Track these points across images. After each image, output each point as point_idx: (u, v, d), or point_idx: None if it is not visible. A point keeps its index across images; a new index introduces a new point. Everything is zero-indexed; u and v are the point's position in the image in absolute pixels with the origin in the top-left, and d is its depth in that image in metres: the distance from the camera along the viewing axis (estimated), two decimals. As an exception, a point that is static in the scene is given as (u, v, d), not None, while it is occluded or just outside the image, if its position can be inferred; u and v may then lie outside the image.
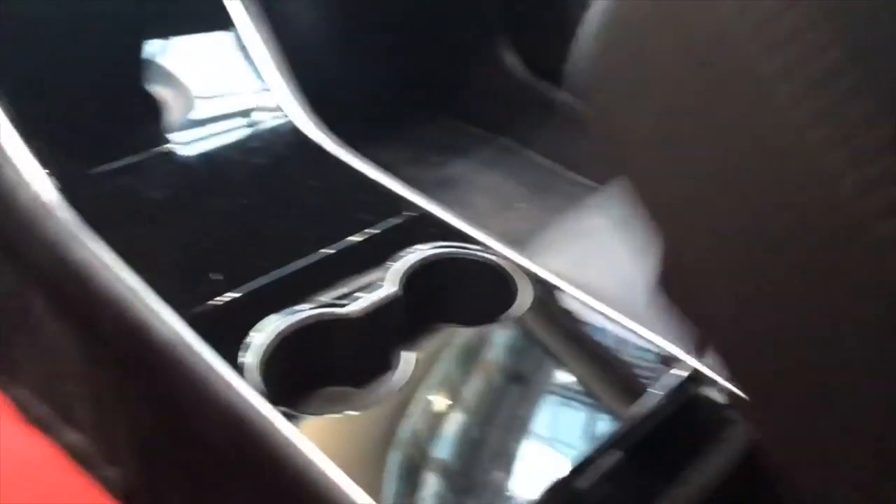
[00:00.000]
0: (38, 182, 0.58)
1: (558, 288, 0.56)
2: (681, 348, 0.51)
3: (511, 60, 1.47)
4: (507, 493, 0.41)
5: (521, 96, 1.46)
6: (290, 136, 0.71)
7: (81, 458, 0.60)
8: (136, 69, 0.74)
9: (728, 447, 0.44)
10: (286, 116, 0.73)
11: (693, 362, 0.49)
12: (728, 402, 0.47)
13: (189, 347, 0.48)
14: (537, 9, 1.44)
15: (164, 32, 0.77)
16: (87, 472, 0.59)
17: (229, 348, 0.48)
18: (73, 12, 0.67)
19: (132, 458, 0.63)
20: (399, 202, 0.64)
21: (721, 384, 0.48)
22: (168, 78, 0.76)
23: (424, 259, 0.57)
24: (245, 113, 0.75)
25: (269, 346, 0.48)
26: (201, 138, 0.69)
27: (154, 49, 0.76)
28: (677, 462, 0.44)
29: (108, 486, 0.58)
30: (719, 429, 0.46)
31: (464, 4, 1.52)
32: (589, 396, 0.48)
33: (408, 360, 0.50)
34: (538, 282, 0.56)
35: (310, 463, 0.42)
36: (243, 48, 0.80)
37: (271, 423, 0.44)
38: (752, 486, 0.45)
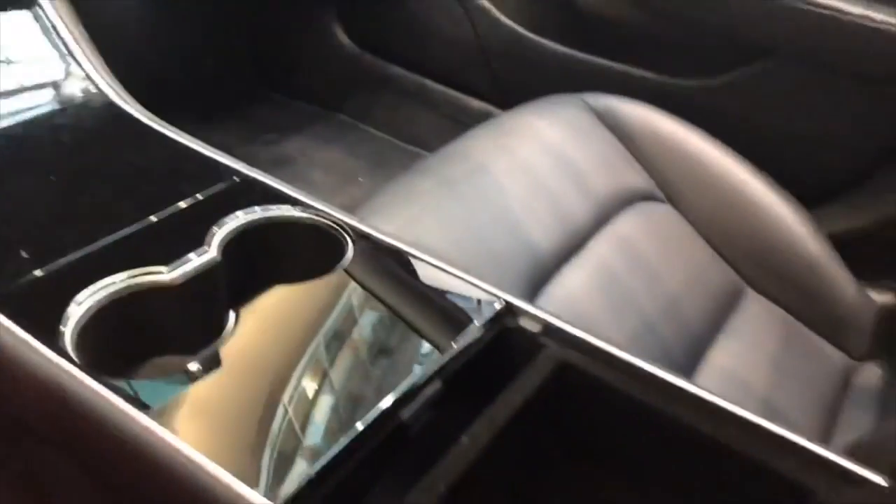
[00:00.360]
0: None
1: (382, 243, 0.58)
2: (499, 289, 0.55)
3: (341, 37, 1.48)
4: (334, 431, 0.43)
5: (353, 72, 1.48)
6: (100, 110, 0.69)
7: None
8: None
9: (538, 368, 0.48)
10: (95, 89, 0.70)
11: (507, 297, 0.53)
12: (539, 331, 0.51)
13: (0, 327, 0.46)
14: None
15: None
16: None
17: (45, 324, 0.46)
18: None
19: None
20: (219, 169, 0.63)
21: (533, 314, 0.52)
22: None
23: (246, 223, 0.57)
24: (49, 89, 0.72)
25: (83, 319, 0.47)
26: (4, 115, 0.66)
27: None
28: (495, 386, 0.47)
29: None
30: (532, 354, 0.50)
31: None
32: (409, 335, 0.51)
33: (231, 321, 0.50)
34: (362, 238, 0.58)
35: (129, 424, 0.42)
36: (46, 25, 0.76)
37: (94, 394, 0.44)
38: (562, 402, 0.50)
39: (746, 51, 1.06)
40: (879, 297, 0.98)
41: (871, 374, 0.91)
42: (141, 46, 1.32)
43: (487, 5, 1.30)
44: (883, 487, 0.42)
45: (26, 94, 0.70)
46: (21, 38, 0.76)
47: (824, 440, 0.81)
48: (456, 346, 0.49)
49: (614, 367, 0.49)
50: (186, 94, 1.38)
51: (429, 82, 1.39)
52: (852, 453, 0.49)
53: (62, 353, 0.45)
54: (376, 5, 1.42)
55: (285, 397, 0.45)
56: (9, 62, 0.74)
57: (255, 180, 0.63)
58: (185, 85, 1.40)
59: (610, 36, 1.20)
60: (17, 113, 0.67)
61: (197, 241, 0.55)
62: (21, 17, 0.78)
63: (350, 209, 0.66)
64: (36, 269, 0.50)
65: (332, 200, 0.62)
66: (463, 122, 1.36)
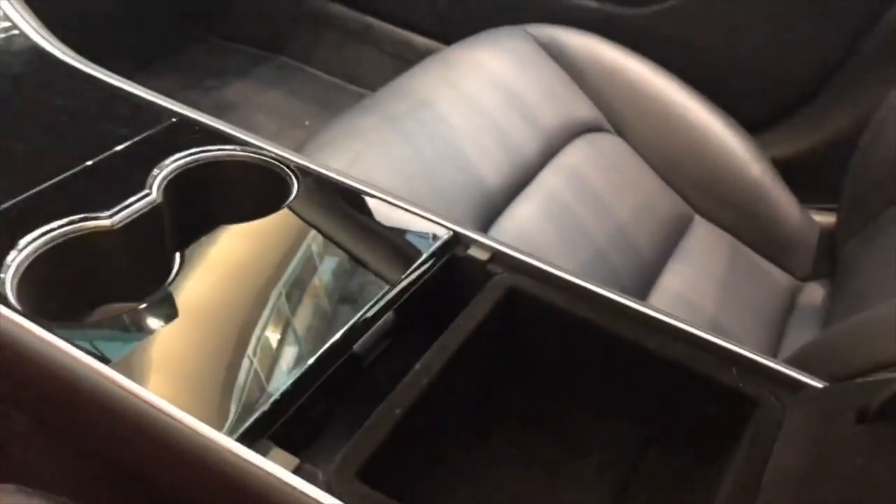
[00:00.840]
0: None
1: (328, 179, 0.57)
2: (443, 219, 0.55)
3: (279, -25, 1.43)
4: (281, 367, 0.43)
5: (294, 12, 1.43)
6: (27, 54, 0.66)
7: None
8: None
9: (487, 294, 0.49)
10: (20, 34, 0.67)
11: (454, 227, 0.53)
12: (487, 258, 0.51)
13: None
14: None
15: None
16: None
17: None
18: None
19: None
20: (155, 111, 0.61)
21: (481, 241, 0.52)
22: None
23: (186, 164, 0.56)
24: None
25: (23, 266, 0.46)
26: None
27: None
28: (447, 316, 0.48)
29: None
30: (481, 281, 0.50)
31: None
32: (358, 269, 0.51)
33: (177, 264, 0.50)
34: (307, 175, 0.57)
35: (76, 367, 0.41)
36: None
37: (37, 340, 0.43)
38: (512, 327, 0.50)
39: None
40: (822, 219, 1.00)
41: (814, 293, 0.94)
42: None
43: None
44: (820, 389, 0.44)
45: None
46: None
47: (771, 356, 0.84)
48: (405, 278, 0.49)
49: (562, 290, 0.50)
50: (122, 40, 1.32)
51: (371, 19, 1.36)
52: (792, 362, 0.51)
53: (2, 299, 0.44)
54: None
55: (236, 337, 0.45)
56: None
57: (194, 120, 0.61)
58: (120, 31, 1.34)
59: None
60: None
61: (138, 184, 0.53)
62: None
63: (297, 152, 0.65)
64: (-31, 218, 0.49)
65: (279, 143, 0.61)
66: (409, 60, 1.33)
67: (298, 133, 1.28)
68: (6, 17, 0.67)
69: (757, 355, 0.47)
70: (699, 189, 0.97)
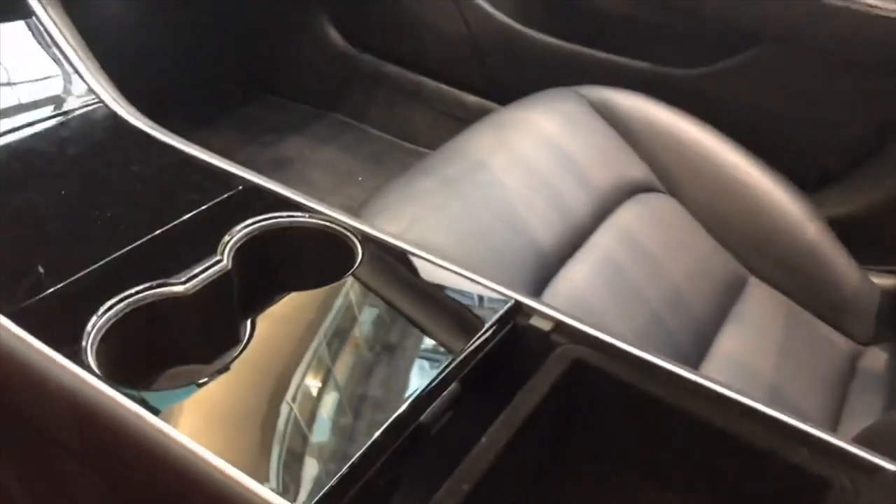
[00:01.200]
0: None
1: (391, 246, 0.59)
2: (507, 288, 0.55)
3: (334, 36, 1.48)
4: (349, 439, 0.44)
5: (347, 71, 1.48)
6: (104, 122, 0.69)
7: None
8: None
9: (552, 366, 0.49)
10: (98, 101, 0.70)
11: (517, 296, 0.54)
12: (550, 328, 0.52)
13: (20, 341, 0.46)
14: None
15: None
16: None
17: (64, 338, 0.47)
18: None
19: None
20: (225, 178, 0.64)
21: (543, 312, 0.53)
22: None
23: (254, 230, 0.58)
24: (52, 101, 0.72)
25: (102, 332, 0.48)
26: (5, 131, 0.66)
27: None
28: (510, 387, 0.48)
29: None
30: (544, 352, 0.50)
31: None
32: (422, 339, 0.51)
33: (246, 329, 0.51)
34: (370, 242, 0.58)
35: (154, 435, 0.42)
36: (43, 35, 0.77)
37: (117, 405, 0.44)
38: (575, 399, 0.50)
39: (740, 38, 1.07)
40: (881, 281, 0.99)
41: (876, 357, 0.92)
42: (134, 51, 1.32)
43: (479, 0, 1.30)
44: (894, 472, 0.43)
45: (29, 108, 0.70)
46: (19, 49, 0.77)
47: (832, 425, 0.82)
48: (469, 347, 0.50)
49: (626, 362, 0.50)
50: (181, 98, 1.38)
51: (424, 79, 1.40)
52: (862, 441, 0.50)
53: (85, 366, 0.45)
54: (367, 4, 1.42)
55: (301, 403, 0.46)
56: (9, 75, 0.74)
57: (261, 187, 0.63)
58: (179, 88, 1.40)
59: (603, 27, 1.20)
60: (21, 127, 0.67)
61: (208, 250, 0.55)
62: (17, 28, 0.79)
63: (350, 209, 0.67)
64: (54, 284, 0.51)
65: (331, 201, 0.63)
66: (459, 118, 1.36)
67: (351, 189, 1.31)
68: (89, 89, 0.71)
69: (824, 433, 0.46)
70: (754, 250, 0.97)
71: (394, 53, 1.42)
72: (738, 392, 0.47)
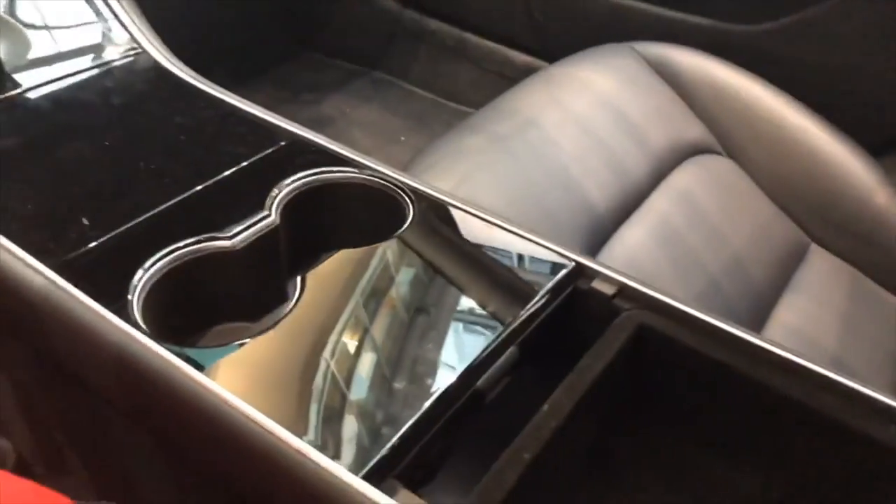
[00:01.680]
0: None
1: (443, 203, 0.56)
2: (565, 248, 0.53)
3: (379, -9, 1.44)
4: (403, 404, 0.42)
5: (390, 28, 1.44)
6: (149, 73, 0.67)
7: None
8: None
9: (616, 332, 0.46)
10: (142, 51, 0.68)
11: (578, 257, 0.51)
12: (613, 292, 0.49)
13: (66, 293, 0.45)
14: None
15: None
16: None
17: (110, 292, 0.46)
18: None
19: (22, 426, 0.60)
20: (271, 131, 0.62)
21: (604, 274, 0.50)
22: (7, 20, 0.70)
23: (303, 185, 0.55)
24: (96, 50, 0.70)
25: (148, 286, 0.46)
26: (50, 80, 0.64)
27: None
28: (571, 352, 0.46)
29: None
30: (607, 316, 0.48)
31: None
32: (479, 301, 0.49)
33: (294, 286, 0.49)
34: (422, 199, 0.56)
35: (201, 393, 0.41)
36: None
37: (163, 361, 0.43)
38: (637, 365, 0.48)
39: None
40: (950, 250, 0.94)
41: (942, 329, 0.87)
42: (175, 7, 1.30)
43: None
44: None
45: (72, 57, 0.69)
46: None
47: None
48: (528, 311, 0.47)
49: (693, 328, 0.47)
50: (221, 55, 1.36)
51: (469, 36, 1.35)
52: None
53: (131, 321, 0.44)
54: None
55: (350, 366, 0.44)
56: (52, 24, 0.72)
57: (309, 141, 0.61)
58: (219, 45, 1.38)
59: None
60: (66, 77, 0.65)
61: (256, 205, 0.53)
62: None
63: (394, 168, 0.64)
64: (99, 237, 0.49)
65: (376, 160, 0.60)
66: (506, 77, 1.32)
67: (393, 148, 1.28)
68: (131, 38, 0.69)
69: (888, 397, 0.43)
70: (817, 216, 0.92)
71: (437, 9, 1.38)
72: (820, 366, 0.43)
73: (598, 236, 0.77)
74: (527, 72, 1.32)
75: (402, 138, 1.31)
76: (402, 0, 1.42)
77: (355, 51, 1.49)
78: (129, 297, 0.45)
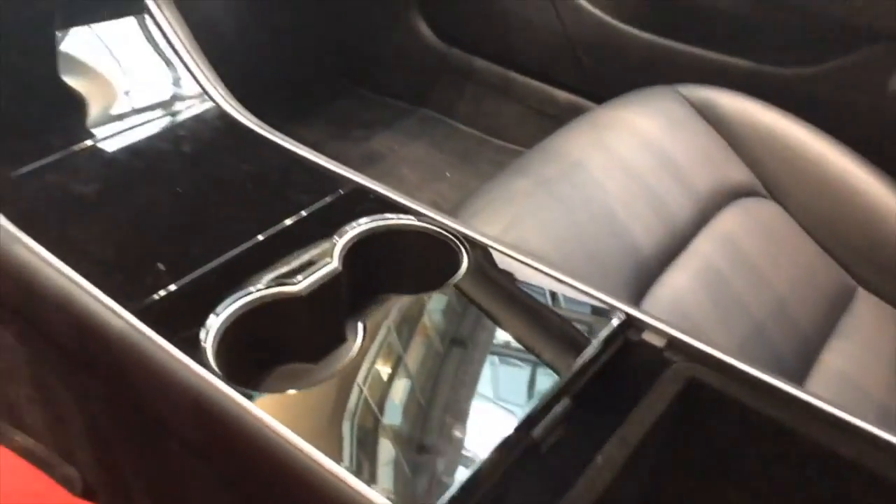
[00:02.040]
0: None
1: (494, 250, 0.58)
2: (608, 295, 0.54)
3: (424, 30, 1.48)
4: (462, 451, 0.44)
5: (436, 66, 1.48)
6: (216, 121, 0.71)
7: (35, 459, 0.60)
8: (52, 63, 0.73)
9: (666, 385, 0.48)
10: (209, 100, 0.72)
11: (628, 309, 0.53)
12: (663, 345, 0.50)
13: (144, 337, 0.48)
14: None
15: (76, 20, 0.75)
16: (45, 472, 0.59)
17: (181, 335, 0.49)
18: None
19: (90, 455, 0.63)
20: (331, 178, 0.65)
21: (655, 326, 0.51)
22: (84, 69, 0.75)
23: (362, 232, 0.58)
24: (166, 99, 0.74)
25: (221, 330, 0.49)
26: (125, 129, 0.68)
27: (68, 40, 0.74)
28: (621, 403, 0.47)
29: (68, 485, 0.58)
30: (657, 369, 0.49)
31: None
32: (532, 350, 0.51)
33: (355, 332, 0.52)
34: (473, 246, 0.58)
35: (271, 437, 0.43)
36: (157, 32, 0.79)
37: (232, 402, 0.45)
38: (690, 419, 0.49)
39: (856, 35, 1.02)
40: None
41: None
42: (231, 43, 1.35)
43: (572, -7, 1.28)
44: None
45: (145, 105, 0.73)
46: (133, 45, 0.79)
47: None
48: (580, 362, 0.49)
49: (742, 382, 0.48)
50: (274, 92, 1.40)
51: (514, 75, 1.38)
52: None
53: (206, 365, 0.47)
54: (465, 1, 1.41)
55: (411, 413, 0.46)
56: (125, 72, 0.76)
57: (367, 188, 0.64)
58: (272, 82, 1.43)
59: (703, 23, 1.17)
60: (138, 124, 0.69)
61: (319, 250, 0.56)
62: (132, 23, 0.81)
63: (438, 205, 0.66)
64: (173, 281, 0.52)
65: (419, 196, 0.63)
66: (550, 115, 1.34)
67: (439, 185, 1.31)
68: (198, 86, 0.73)
69: None
70: (863, 259, 0.92)
71: (484, 48, 1.41)
72: (871, 424, 0.44)
73: (644, 280, 0.78)
74: (570, 110, 1.35)
75: (448, 174, 1.34)
76: (447, 39, 1.46)
77: (403, 88, 1.53)
78: (203, 340, 0.48)
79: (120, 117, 0.70)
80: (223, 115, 0.71)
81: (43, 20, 0.71)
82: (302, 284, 0.53)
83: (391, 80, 1.53)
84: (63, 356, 0.57)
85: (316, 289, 0.53)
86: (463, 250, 0.58)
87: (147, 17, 0.81)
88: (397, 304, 0.54)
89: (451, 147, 1.39)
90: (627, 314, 0.52)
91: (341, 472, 0.41)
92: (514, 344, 0.52)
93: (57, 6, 0.73)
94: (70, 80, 0.74)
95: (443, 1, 1.44)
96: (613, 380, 0.51)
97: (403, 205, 0.62)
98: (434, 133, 1.42)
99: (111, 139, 0.66)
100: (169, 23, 0.80)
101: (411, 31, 1.48)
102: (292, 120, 1.41)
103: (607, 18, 1.26)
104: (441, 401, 0.47)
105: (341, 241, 0.57)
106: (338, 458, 0.42)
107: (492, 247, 0.59)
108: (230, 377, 0.47)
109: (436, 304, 0.54)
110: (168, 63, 0.77)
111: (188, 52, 0.78)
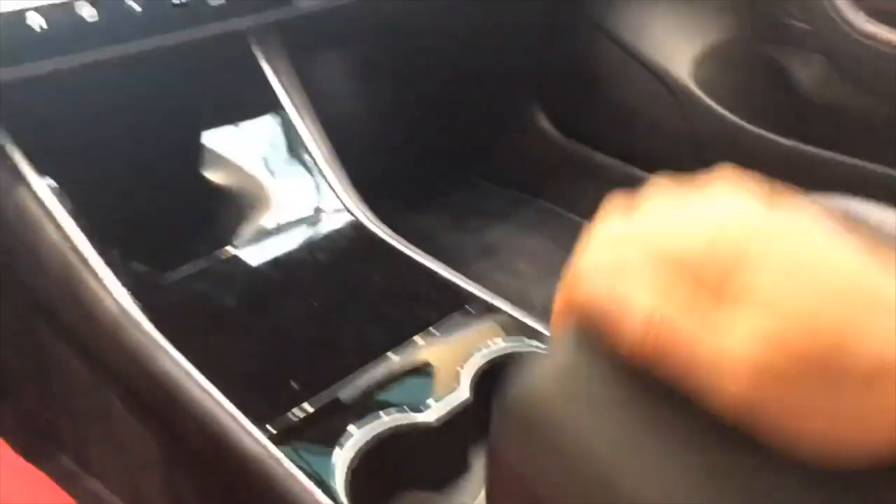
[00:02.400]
0: (115, 292, 0.59)
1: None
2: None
3: (543, 123, 1.50)
4: None
5: (556, 158, 1.48)
6: (350, 230, 0.73)
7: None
8: (193, 165, 0.77)
9: None
10: (343, 209, 0.74)
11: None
12: None
13: (277, 463, 0.49)
14: (566, 72, 1.47)
15: (215, 121, 0.79)
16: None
17: (312, 463, 0.49)
18: (133, 121, 0.70)
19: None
20: (461, 294, 0.64)
21: None
22: (224, 172, 0.79)
23: (493, 359, 0.57)
24: (302, 205, 0.76)
25: (351, 459, 0.49)
26: (263, 237, 0.71)
27: (207, 141, 0.78)
28: None
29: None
30: None
31: (494, 69, 1.55)
32: None
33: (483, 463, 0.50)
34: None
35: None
36: (294, 134, 0.82)
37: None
38: None
39: None
40: None
41: None
42: (361, 137, 1.41)
43: (698, 91, 1.26)
44: None
45: (281, 210, 0.75)
46: (270, 148, 0.82)
47: None
48: None
49: None
50: (393, 181, 1.44)
51: (636, 171, 1.37)
52: None
53: (334, 497, 0.46)
54: (580, 92, 1.43)
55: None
56: (261, 175, 0.80)
57: (495, 307, 0.63)
58: (391, 172, 1.47)
59: (843, 126, 1.12)
60: (275, 231, 0.72)
61: (449, 373, 0.56)
62: (269, 124, 0.84)
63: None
64: (307, 399, 0.53)
65: (536, 291, 0.62)
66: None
67: (557, 280, 1.30)
68: (332, 192, 0.75)
69: None
70: None
71: (605, 142, 1.41)
72: None
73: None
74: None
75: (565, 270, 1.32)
76: (568, 132, 1.46)
77: (522, 180, 1.54)
78: (333, 468, 0.48)
79: (258, 223, 0.73)
80: (357, 226, 0.72)
81: (184, 121, 0.75)
82: (433, 415, 0.52)
83: (510, 171, 1.55)
84: (196, 462, 0.59)
85: (446, 420, 0.52)
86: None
87: (283, 116, 0.84)
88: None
89: (568, 241, 1.36)
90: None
91: None
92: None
93: (197, 106, 0.76)
94: (211, 184, 0.77)
95: (564, 95, 1.45)
96: None
97: (533, 328, 0.61)
98: (552, 226, 1.42)
99: (251, 247, 0.69)
100: (305, 124, 0.83)
101: (530, 122, 1.50)
102: (411, 208, 1.44)
103: (733, 117, 1.23)
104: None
105: (471, 367, 0.56)
106: None
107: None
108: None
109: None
110: (304, 166, 0.80)
111: (322, 155, 0.80)
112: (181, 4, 0.64)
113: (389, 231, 0.72)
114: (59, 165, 0.64)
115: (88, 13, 0.58)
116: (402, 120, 1.49)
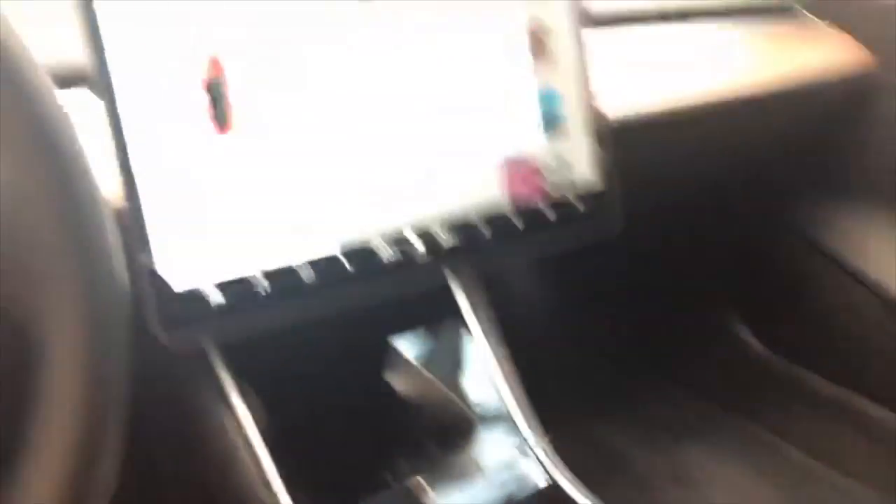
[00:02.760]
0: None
1: None
2: None
3: (746, 336, 1.39)
4: None
5: (761, 376, 1.36)
6: (531, 480, 0.68)
7: None
8: (387, 402, 0.76)
9: None
10: (530, 452, 0.69)
11: None
12: None
13: None
14: (766, 279, 1.38)
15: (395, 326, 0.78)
16: None
17: None
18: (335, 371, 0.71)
19: None
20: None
21: None
22: (412, 406, 0.77)
23: None
24: (484, 437, 0.73)
25: None
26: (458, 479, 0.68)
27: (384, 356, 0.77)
28: None
29: None
30: None
31: (692, 274, 1.50)
32: None
33: None
34: None
35: None
36: (476, 350, 0.79)
37: None
38: None
39: None
40: None
41: None
42: (550, 340, 1.38)
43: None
44: None
45: (465, 446, 0.72)
46: (448, 363, 0.80)
47: None
48: None
49: None
50: (586, 388, 1.38)
51: (858, 399, 1.22)
52: None
53: None
54: (786, 307, 1.32)
55: None
56: (443, 398, 0.77)
57: None
58: (585, 377, 1.42)
59: None
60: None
61: None
62: (451, 336, 0.82)
63: None
64: None
65: None
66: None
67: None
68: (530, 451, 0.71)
69: None
70: None
71: (820, 363, 1.28)
72: None
73: None
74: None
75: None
76: (776, 349, 1.35)
77: (721, 395, 1.42)
78: None
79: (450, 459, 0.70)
80: (555, 487, 0.67)
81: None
82: None
83: (707, 384, 1.44)
84: None
85: None
86: None
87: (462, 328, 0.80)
88: None
89: (776, 474, 1.22)
90: None
91: None
92: None
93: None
94: (404, 417, 0.76)
95: (768, 308, 1.35)
96: None
97: None
98: (759, 455, 1.27)
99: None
100: (487, 342, 0.79)
101: (732, 335, 1.40)
102: (598, 416, 1.36)
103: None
104: None
105: None
106: None
107: None
108: None
109: None
110: (491, 397, 0.76)
111: (510, 387, 0.76)
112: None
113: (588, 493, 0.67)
114: (262, 400, 0.66)
115: (307, 275, 0.61)
116: (589, 322, 1.46)
